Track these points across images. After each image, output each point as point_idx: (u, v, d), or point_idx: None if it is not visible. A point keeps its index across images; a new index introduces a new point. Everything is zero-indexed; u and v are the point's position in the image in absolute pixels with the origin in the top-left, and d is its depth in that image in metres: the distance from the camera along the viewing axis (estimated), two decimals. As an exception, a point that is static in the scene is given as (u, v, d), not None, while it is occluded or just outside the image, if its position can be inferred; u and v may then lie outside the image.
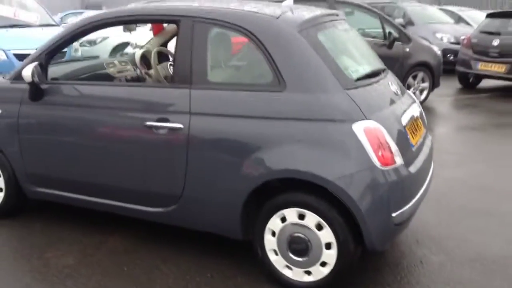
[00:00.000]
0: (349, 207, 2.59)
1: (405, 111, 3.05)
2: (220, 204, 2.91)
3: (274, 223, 2.82)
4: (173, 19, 3.13)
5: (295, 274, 2.83)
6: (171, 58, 4.38)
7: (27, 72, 3.18)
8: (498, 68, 9.22)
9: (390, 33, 7.68)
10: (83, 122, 3.22)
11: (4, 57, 7.53)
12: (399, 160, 2.69)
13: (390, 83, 3.20)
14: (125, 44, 10.54)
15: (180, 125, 2.91)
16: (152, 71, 4.21)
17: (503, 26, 9.58)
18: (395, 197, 2.68)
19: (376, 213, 2.61)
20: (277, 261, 2.86)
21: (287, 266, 2.84)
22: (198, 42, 2.96)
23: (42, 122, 3.37)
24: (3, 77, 3.67)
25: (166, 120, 2.95)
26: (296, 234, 2.76)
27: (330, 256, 2.71)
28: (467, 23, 14.24)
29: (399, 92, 3.22)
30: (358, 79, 2.90)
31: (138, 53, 4.31)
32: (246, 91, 2.85)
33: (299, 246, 2.77)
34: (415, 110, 3.22)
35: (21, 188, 3.60)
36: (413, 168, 2.84)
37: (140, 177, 3.11)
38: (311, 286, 2.80)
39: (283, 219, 2.79)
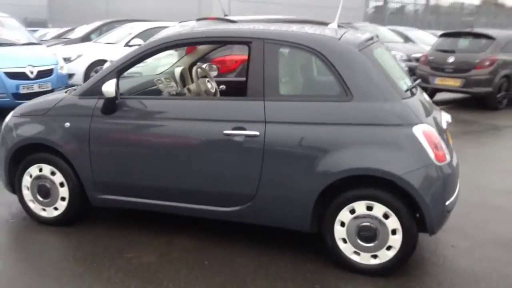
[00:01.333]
0: (414, 198, 3.10)
1: (441, 117, 3.61)
2: (293, 202, 3.34)
3: (344, 215, 3.28)
4: (245, 40, 3.55)
5: (362, 258, 3.29)
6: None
7: (110, 89, 3.49)
8: (454, 82, 10.19)
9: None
10: (159, 132, 3.56)
11: (-6, 76, 7.57)
12: (448, 157, 3.25)
13: (423, 94, 3.77)
14: (101, 62, 10.66)
15: (256, 133, 3.32)
16: (191, 86, 4.59)
17: (456, 44, 10.62)
18: (447, 188, 3.22)
19: (436, 202, 3.14)
20: (346, 248, 3.32)
21: (355, 252, 3.30)
22: (269, 60, 3.39)
23: (115, 133, 3.66)
24: (66, 92, 3.94)
25: (243, 129, 3.35)
26: (365, 224, 3.23)
27: (396, 240, 3.20)
28: (413, 42, 15.43)
29: (430, 102, 3.79)
30: (405, 91, 3.44)
31: (177, 70, 4.67)
32: (316, 102, 3.30)
33: (367, 234, 3.24)
34: (445, 116, 3.80)
35: (85, 197, 3.84)
36: (454, 164, 3.40)
37: (215, 180, 3.47)
38: (377, 268, 3.28)
39: (352, 211, 3.26)
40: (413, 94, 3.48)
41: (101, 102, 3.67)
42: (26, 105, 4.12)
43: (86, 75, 10.58)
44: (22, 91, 7.86)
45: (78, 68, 10.62)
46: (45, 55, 8.63)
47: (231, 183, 3.45)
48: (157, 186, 3.63)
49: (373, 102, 3.22)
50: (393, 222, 3.19)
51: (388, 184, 3.15)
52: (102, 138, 3.69)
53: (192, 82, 4.76)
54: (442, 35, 11.16)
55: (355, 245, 3.29)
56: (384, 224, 3.21)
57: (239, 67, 7.08)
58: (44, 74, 8.18)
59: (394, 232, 3.20)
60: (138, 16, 14.78)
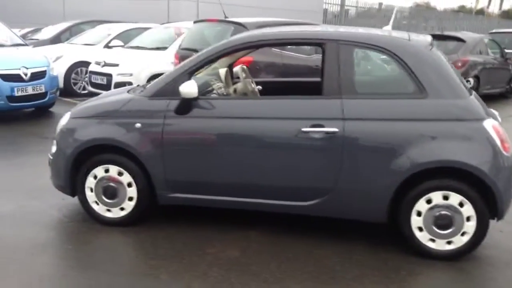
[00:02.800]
0: (489, 186, 3.39)
1: (493, 113, 3.94)
2: (371, 195, 3.55)
3: (421, 205, 3.52)
4: (319, 42, 3.73)
5: (438, 245, 3.55)
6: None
7: (192, 89, 3.56)
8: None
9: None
10: (235, 131, 3.68)
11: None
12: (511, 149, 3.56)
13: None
14: (82, 63, 10.44)
15: (335, 129, 3.50)
16: (237, 86, 4.71)
17: (430, 48, 11.20)
18: (513, 177, 3.53)
19: (506, 190, 3.45)
20: (422, 236, 3.56)
21: (431, 239, 3.55)
22: (344, 60, 3.58)
23: (190, 132, 3.73)
24: (128, 92, 3.96)
25: (321, 126, 3.52)
26: (441, 212, 3.49)
27: (470, 227, 3.48)
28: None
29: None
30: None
31: (222, 71, 4.77)
32: (392, 99, 3.53)
33: (443, 222, 3.50)
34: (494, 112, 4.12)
35: (153, 196, 3.88)
36: None
37: (292, 176, 3.63)
38: (452, 253, 3.54)
39: (428, 201, 3.51)
40: (470, 93, 3.78)
41: (173, 103, 3.73)
42: (85, 107, 4.10)
43: (67, 77, 10.35)
44: (17, 93, 7.63)
45: (59, 69, 10.28)
46: (37, 56, 8.39)
47: (309, 178, 3.61)
48: (232, 183, 3.73)
49: (447, 99, 3.48)
50: (468, 210, 3.46)
51: (462, 174, 3.42)
52: (175, 138, 3.75)
53: (232, 82, 4.88)
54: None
55: (431, 232, 3.54)
56: (459, 212, 3.47)
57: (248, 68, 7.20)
58: (37, 76, 7.96)
59: (468, 219, 3.48)
60: (97, 18, 14.49)
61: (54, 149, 4.06)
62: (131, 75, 9.05)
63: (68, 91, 10.22)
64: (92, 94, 9.82)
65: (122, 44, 10.72)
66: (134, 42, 10.35)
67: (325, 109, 3.57)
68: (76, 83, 10.60)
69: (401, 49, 3.58)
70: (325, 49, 3.65)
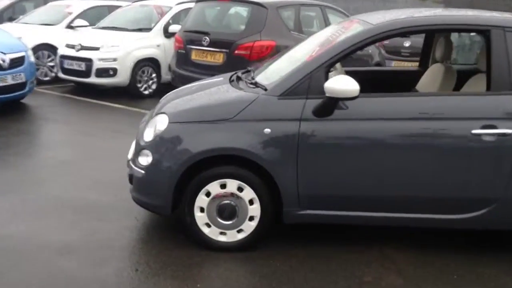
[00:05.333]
0: None
1: None
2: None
3: None
4: (481, 29, 3.25)
5: None
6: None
7: (348, 86, 2.95)
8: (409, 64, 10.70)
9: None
10: (393, 134, 3.13)
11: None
12: None
13: None
14: (43, 46, 9.15)
15: (509, 131, 3.08)
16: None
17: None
18: None
19: None
20: None
21: None
22: (512, 50, 3.15)
23: (335, 138, 3.13)
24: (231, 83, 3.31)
25: (493, 127, 3.08)
26: None
27: None
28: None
29: None
30: None
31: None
32: None
33: None
34: None
35: (277, 214, 3.26)
36: None
37: (455, 185, 3.16)
38: None
39: None
40: None
41: (311, 103, 3.11)
42: (188, 109, 3.35)
43: (28, 62, 9.02)
44: (-1, 84, 6.44)
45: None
46: (13, 40, 7.15)
47: (475, 187, 3.17)
48: (383, 196, 3.20)
49: None
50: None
51: None
52: (315, 144, 3.14)
53: None
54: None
55: None
56: None
57: (270, 53, 6.56)
58: (16, 63, 6.77)
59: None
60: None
61: (147, 160, 3.28)
62: (115, 60, 8.04)
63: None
64: (61, 81, 8.75)
65: (87, 24, 9.56)
66: (105, 22, 9.23)
67: (496, 106, 3.12)
68: (38, 69, 9.29)
69: None
70: (491, 37, 3.18)
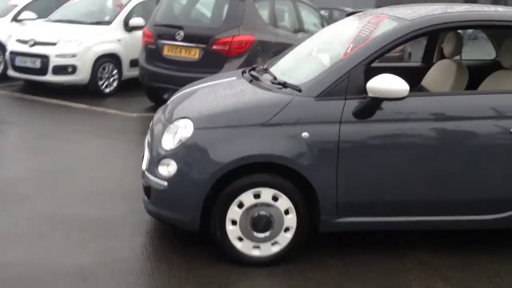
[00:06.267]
0: None
1: None
2: None
3: None
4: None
5: None
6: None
7: (398, 86, 2.77)
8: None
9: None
10: (436, 135, 3.02)
11: None
12: None
13: None
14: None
15: (545, 128, 3.03)
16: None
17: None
18: None
19: None
20: None
21: None
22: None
23: (378, 141, 2.96)
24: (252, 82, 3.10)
25: (532, 125, 3.03)
26: None
27: None
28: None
29: None
30: None
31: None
32: None
33: None
34: None
35: (313, 223, 3.06)
36: None
37: (496, 185, 3.09)
38: None
39: None
40: None
41: (351, 104, 2.91)
42: (218, 113, 3.05)
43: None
44: None
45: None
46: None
47: (510, 187, 3.10)
48: (425, 199, 3.07)
49: None
50: None
51: None
52: (356, 148, 2.95)
53: None
54: (351, 14, 11.62)
55: None
56: None
57: (249, 49, 6.31)
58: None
59: None
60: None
61: (169, 171, 2.96)
62: (73, 56, 7.47)
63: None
64: (8, 80, 8.03)
65: (35, 16, 8.87)
66: (57, 15, 8.57)
67: None
68: (-18, 66, 8.53)
69: None
70: None
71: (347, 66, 2.96)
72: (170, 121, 3.17)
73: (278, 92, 3.05)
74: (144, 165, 3.19)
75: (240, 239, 3.00)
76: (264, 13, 6.75)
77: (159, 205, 3.08)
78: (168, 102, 3.63)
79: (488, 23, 3.35)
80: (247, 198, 2.94)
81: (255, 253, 3.03)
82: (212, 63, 6.24)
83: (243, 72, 3.71)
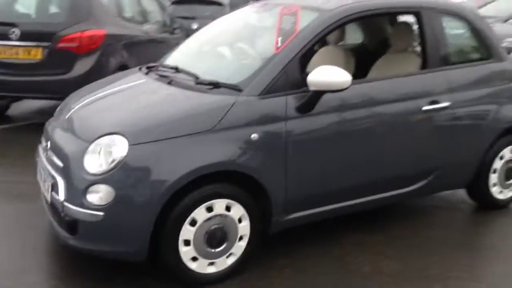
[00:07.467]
0: None
1: None
2: (469, 164, 3.58)
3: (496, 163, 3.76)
4: (415, 10, 3.39)
5: None
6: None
7: (341, 78, 2.75)
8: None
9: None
10: (367, 121, 3.11)
11: None
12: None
13: None
14: None
15: (447, 103, 3.35)
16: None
17: (195, 11, 11.09)
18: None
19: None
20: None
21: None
22: (440, 29, 3.43)
23: (319, 134, 2.92)
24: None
25: (437, 102, 3.31)
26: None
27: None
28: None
29: None
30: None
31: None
32: (475, 66, 3.60)
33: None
34: None
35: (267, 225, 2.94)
36: None
37: (414, 160, 3.35)
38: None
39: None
40: None
41: (292, 99, 2.83)
42: (154, 123, 2.65)
43: None
44: None
45: None
46: None
47: (424, 160, 3.38)
48: (361, 182, 3.17)
49: (504, 61, 3.75)
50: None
51: None
52: (302, 144, 2.88)
53: None
54: (175, 3, 11.37)
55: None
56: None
57: (102, 44, 5.72)
58: None
59: None
60: None
61: (104, 198, 2.52)
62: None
63: None
64: None
65: None
66: None
67: (434, 83, 3.34)
68: None
69: (473, 16, 3.66)
70: (422, 18, 3.35)
71: (283, 61, 2.85)
72: (88, 139, 2.68)
73: (215, 94, 2.80)
74: (60, 196, 2.66)
75: (195, 259, 2.72)
76: (110, 4, 6.18)
77: (91, 239, 2.61)
78: (59, 118, 3.11)
79: (403, 10, 3.57)
80: (200, 213, 2.66)
81: (211, 270, 2.78)
82: (59, 63, 5.52)
83: (146, 73, 3.34)
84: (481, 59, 3.68)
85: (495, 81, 3.65)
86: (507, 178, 3.81)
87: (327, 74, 2.76)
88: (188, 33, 10.22)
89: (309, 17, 3.09)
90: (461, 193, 3.91)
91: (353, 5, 3.19)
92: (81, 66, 5.55)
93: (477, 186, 3.74)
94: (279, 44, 2.94)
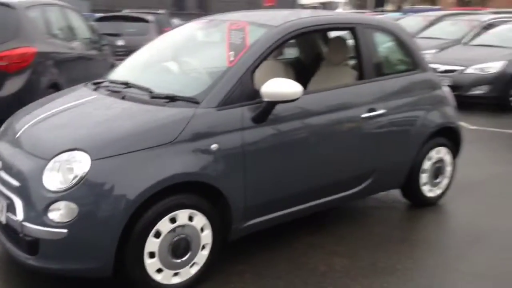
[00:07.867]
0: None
1: None
2: (402, 165, 3.90)
3: (426, 164, 4.10)
4: (350, 26, 3.65)
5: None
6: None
7: (292, 89, 2.92)
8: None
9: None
10: (313, 130, 3.29)
11: None
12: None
13: None
14: None
15: (384, 111, 3.64)
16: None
17: (121, 28, 10.97)
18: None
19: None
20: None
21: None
22: (372, 43, 3.72)
23: (273, 142, 3.07)
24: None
25: (374, 110, 3.59)
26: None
27: None
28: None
29: None
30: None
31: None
32: (404, 76, 3.92)
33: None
34: None
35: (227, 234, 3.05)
36: None
37: (356, 164, 3.60)
38: None
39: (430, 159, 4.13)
40: None
41: (247, 110, 2.97)
42: (115, 138, 2.68)
43: None
44: None
45: None
46: None
47: (365, 163, 3.64)
48: (311, 186, 3.37)
49: (428, 72, 4.13)
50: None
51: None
52: (258, 152, 3.03)
53: None
54: (100, 19, 11.21)
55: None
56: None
57: (32, 62, 5.55)
58: None
59: None
60: None
61: (65, 215, 2.51)
62: None
63: None
64: None
65: None
66: None
67: (371, 92, 3.61)
68: None
69: (400, 30, 3.99)
70: (357, 33, 3.62)
71: (237, 73, 2.99)
72: (46, 157, 2.65)
73: (173, 107, 2.87)
74: (18, 216, 2.61)
75: (160, 270, 2.76)
76: (39, 22, 6.02)
77: (53, 258, 2.58)
78: (7, 138, 3.06)
79: (341, 26, 3.82)
80: (163, 225, 2.71)
81: (175, 280, 2.83)
82: (-13, 83, 5.31)
83: (94, 89, 3.35)
84: (408, 70, 4.02)
85: (421, 90, 4.01)
86: (435, 177, 4.16)
87: (280, 86, 2.93)
88: (114, 50, 10.26)
89: (257, 32, 3.26)
90: (394, 193, 4.22)
91: (298, 21, 3.40)
92: (12, 86, 5.36)
93: (410, 186, 4.06)
94: (232, 58, 3.07)
